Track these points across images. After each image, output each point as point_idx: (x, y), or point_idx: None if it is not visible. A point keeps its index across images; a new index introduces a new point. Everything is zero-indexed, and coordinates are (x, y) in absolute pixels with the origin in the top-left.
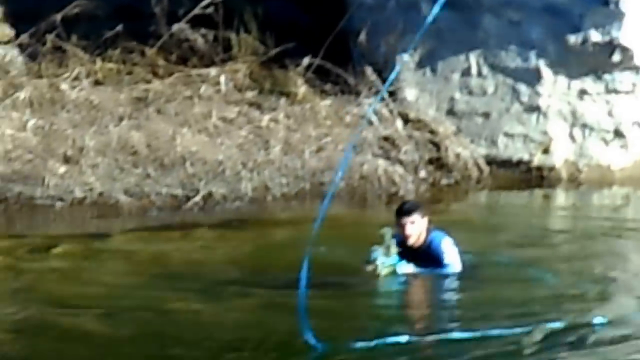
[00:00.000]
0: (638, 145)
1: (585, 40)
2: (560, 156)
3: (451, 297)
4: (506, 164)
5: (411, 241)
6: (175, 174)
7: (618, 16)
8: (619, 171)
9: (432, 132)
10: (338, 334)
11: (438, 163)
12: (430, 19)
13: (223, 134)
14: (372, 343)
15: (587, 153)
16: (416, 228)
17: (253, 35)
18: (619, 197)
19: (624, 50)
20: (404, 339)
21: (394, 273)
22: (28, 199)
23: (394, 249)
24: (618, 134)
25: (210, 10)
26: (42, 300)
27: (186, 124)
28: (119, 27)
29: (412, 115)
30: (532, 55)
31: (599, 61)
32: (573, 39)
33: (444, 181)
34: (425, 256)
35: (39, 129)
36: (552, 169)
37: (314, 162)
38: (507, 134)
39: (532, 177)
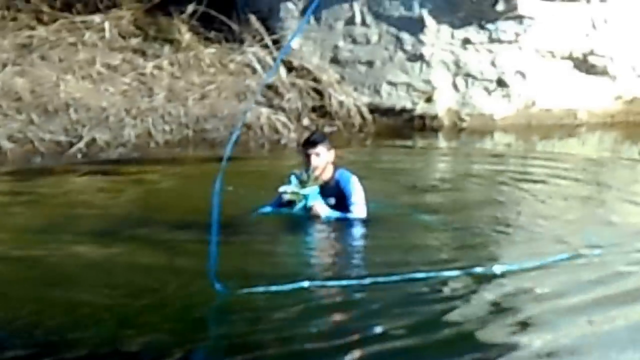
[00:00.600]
0: (520, 95)
1: None
2: (444, 105)
3: (357, 242)
4: (389, 112)
5: (316, 173)
6: (59, 120)
7: None
8: (501, 120)
9: (315, 80)
10: (244, 280)
11: (321, 111)
12: None
13: (107, 81)
14: (273, 288)
15: (469, 102)
16: (322, 160)
17: None
18: (501, 145)
19: None
20: (305, 284)
21: (301, 202)
22: None
23: (312, 186)
24: (501, 83)
25: None
26: None
27: (70, 71)
28: None
29: (295, 63)
30: (416, 4)
31: (483, 10)
32: None
33: (327, 129)
34: (332, 192)
35: None
36: (434, 117)
37: (197, 110)
38: (390, 83)
39: (415, 125)
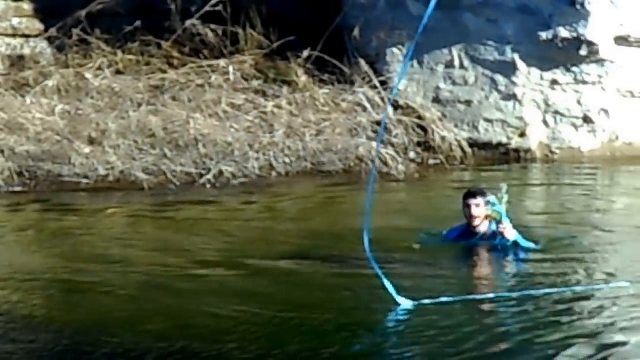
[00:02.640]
0: (604, 130)
1: (555, 36)
2: (535, 139)
3: (524, 259)
4: (487, 146)
5: (476, 223)
6: (189, 154)
7: (584, 15)
8: (587, 153)
9: (419, 117)
10: (418, 294)
11: (425, 146)
12: (425, 20)
13: (232, 119)
14: (458, 298)
15: (559, 137)
16: (481, 211)
17: (258, 30)
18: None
19: (590, 45)
20: (490, 295)
21: (498, 218)
22: (56, 176)
23: (505, 203)
24: (586, 119)
25: (219, 7)
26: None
27: (198, 110)
28: (138, 23)
29: (402, 102)
30: (508, 49)
31: (568, 55)
32: (544, 35)
33: (431, 162)
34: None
35: (65, 113)
36: (528, 150)
37: (313, 144)
38: (487, 120)
39: (510, 159)
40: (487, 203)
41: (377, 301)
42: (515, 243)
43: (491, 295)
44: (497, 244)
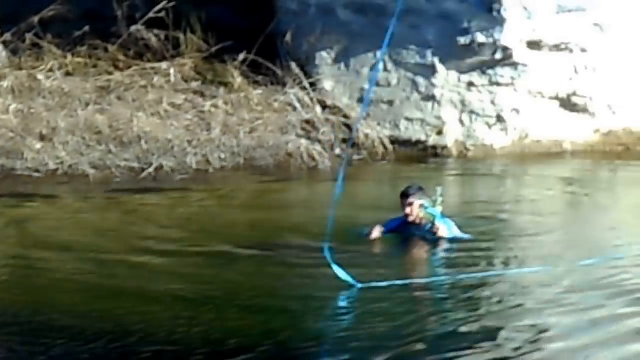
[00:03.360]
0: (515, 129)
1: (472, 41)
2: (452, 137)
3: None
4: (407, 143)
5: (410, 219)
6: (132, 150)
7: (499, 22)
8: (499, 149)
9: (345, 116)
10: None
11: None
12: (392, 29)
13: (172, 117)
14: (403, 282)
15: (473, 135)
16: (414, 209)
17: (198, 35)
18: (498, 169)
19: (505, 49)
20: (432, 279)
21: (431, 219)
22: (9, 170)
23: (440, 206)
24: (499, 119)
25: (162, 14)
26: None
27: (142, 109)
28: (87, 28)
29: (329, 102)
30: (429, 53)
31: (484, 59)
32: (462, 40)
33: (355, 157)
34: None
35: (19, 112)
36: (444, 147)
37: (247, 141)
38: (407, 119)
39: (428, 155)
40: (421, 206)
41: (318, 286)
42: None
43: (433, 279)
44: (432, 238)
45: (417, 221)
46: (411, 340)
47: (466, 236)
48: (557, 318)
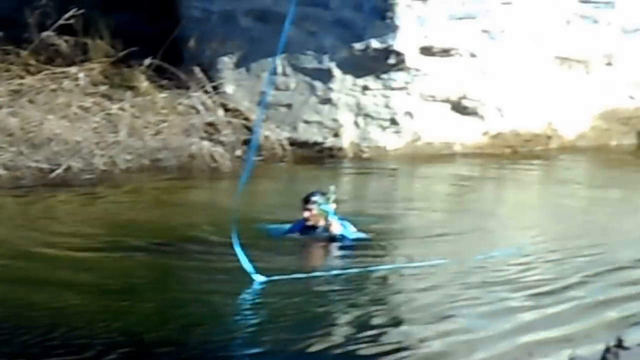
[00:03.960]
0: (408, 131)
1: (367, 47)
2: (347, 139)
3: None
4: (305, 145)
5: (309, 223)
6: (43, 152)
7: (393, 28)
8: (392, 151)
9: (246, 119)
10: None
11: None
12: (284, 34)
13: (81, 120)
14: (305, 275)
15: (368, 137)
16: (314, 213)
17: (106, 41)
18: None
19: (398, 55)
20: (332, 273)
21: (325, 215)
22: None
23: (333, 204)
24: (393, 121)
25: (72, 20)
26: None
27: (52, 112)
28: (0, 34)
29: (230, 105)
30: (326, 58)
31: (379, 64)
32: (358, 46)
33: (255, 158)
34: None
35: None
36: (340, 149)
37: (152, 143)
38: (305, 121)
39: (325, 156)
40: (314, 203)
41: (228, 281)
42: (343, 235)
43: (332, 273)
44: (329, 236)
45: (315, 224)
46: (319, 334)
47: (362, 235)
48: (456, 311)
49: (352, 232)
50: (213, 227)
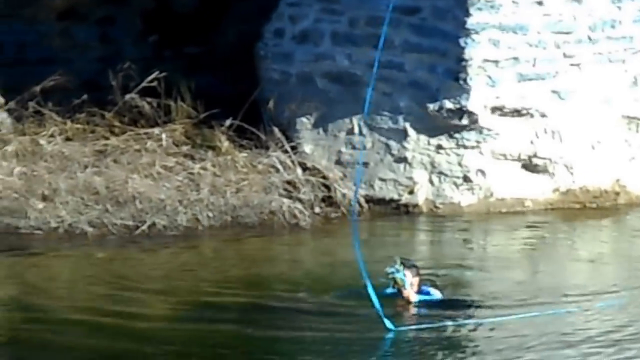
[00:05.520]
0: (481, 188)
1: (441, 107)
2: (422, 196)
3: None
4: (381, 201)
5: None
6: (128, 209)
7: (466, 89)
8: (466, 207)
9: (324, 177)
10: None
11: (329, 201)
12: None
13: (164, 179)
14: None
15: (442, 194)
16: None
17: (187, 103)
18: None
19: (470, 115)
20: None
21: (396, 286)
22: (14, 228)
23: (403, 273)
24: (466, 179)
25: (154, 83)
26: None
27: (136, 171)
28: (85, 96)
29: (309, 164)
30: (401, 118)
31: (452, 123)
32: (432, 106)
33: (333, 215)
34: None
35: (22, 174)
36: (415, 205)
37: (233, 201)
38: (381, 179)
39: (401, 212)
40: (388, 274)
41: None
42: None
43: (465, 322)
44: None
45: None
46: None
47: (438, 295)
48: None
49: (436, 294)
50: (310, 280)
